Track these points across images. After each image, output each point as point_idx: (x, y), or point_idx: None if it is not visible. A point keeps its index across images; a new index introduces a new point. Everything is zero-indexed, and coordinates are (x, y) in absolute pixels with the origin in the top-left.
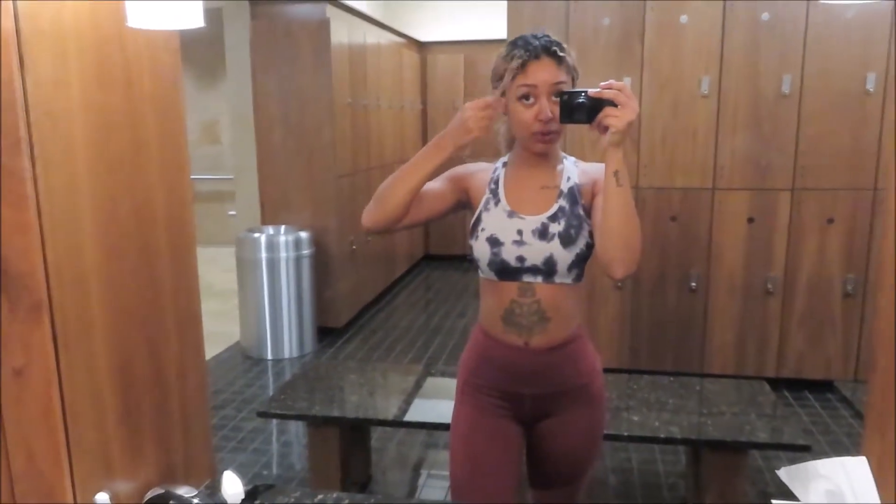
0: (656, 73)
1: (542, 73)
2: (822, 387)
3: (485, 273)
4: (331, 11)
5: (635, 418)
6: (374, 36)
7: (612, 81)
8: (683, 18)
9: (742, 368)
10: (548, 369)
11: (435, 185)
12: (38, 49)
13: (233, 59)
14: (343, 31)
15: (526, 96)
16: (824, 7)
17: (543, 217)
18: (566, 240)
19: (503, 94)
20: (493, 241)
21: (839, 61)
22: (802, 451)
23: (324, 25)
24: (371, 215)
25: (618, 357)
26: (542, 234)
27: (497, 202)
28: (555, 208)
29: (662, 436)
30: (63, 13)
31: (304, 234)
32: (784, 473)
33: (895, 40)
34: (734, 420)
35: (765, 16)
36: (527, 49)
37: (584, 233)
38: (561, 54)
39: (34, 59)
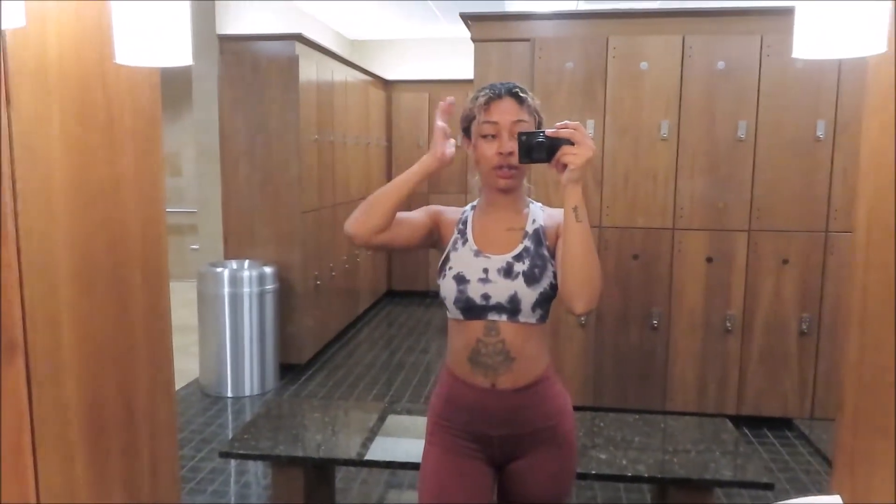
0: (618, 116)
1: (504, 112)
2: (781, 424)
3: (452, 312)
4: (300, 49)
5: (602, 456)
6: (341, 73)
7: (567, 122)
8: (644, 65)
9: (703, 406)
10: (515, 411)
11: (414, 214)
12: (20, 83)
13: (200, 92)
14: (311, 68)
15: (489, 134)
16: (777, 57)
17: (509, 256)
18: (530, 278)
19: (466, 136)
20: (460, 279)
21: (791, 109)
22: (765, 489)
23: (293, 62)
24: (357, 223)
25: (582, 394)
26: (507, 272)
27: (465, 242)
28: (520, 248)
29: (630, 474)
30: (48, 47)
31: (268, 269)
32: None
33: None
34: (699, 458)
35: (720, 64)
36: (491, 90)
37: (549, 273)
38: (523, 95)
39: (17, 93)
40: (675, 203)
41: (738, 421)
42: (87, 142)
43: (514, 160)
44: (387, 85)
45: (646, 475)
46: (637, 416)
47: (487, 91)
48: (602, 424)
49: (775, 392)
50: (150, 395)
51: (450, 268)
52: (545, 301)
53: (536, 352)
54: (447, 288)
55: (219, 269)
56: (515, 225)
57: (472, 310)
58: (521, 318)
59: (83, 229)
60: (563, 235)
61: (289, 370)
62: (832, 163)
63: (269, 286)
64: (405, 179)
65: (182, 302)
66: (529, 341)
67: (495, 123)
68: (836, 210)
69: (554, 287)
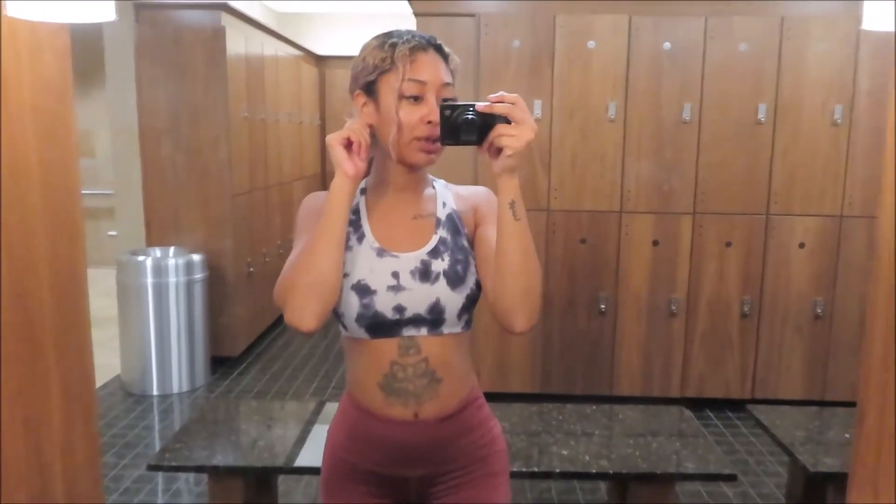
0: (566, 97)
1: (434, 69)
2: (722, 405)
3: (352, 331)
4: (226, 20)
5: (564, 452)
6: (271, 47)
7: (502, 93)
8: (591, 44)
9: (649, 389)
10: (439, 445)
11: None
12: None
13: (114, 65)
14: (240, 41)
15: (412, 95)
16: (720, 39)
17: (422, 253)
18: (454, 279)
19: (369, 95)
20: (362, 290)
21: (734, 92)
22: (728, 481)
23: (219, 34)
24: (308, 315)
25: (530, 381)
26: (424, 274)
27: (360, 238)
28: (434, 241)
29: (594, 471)
30: None
31: (196, 257)
32: None
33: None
34: (660, 450)
35: (666, 45)
36: (413, 37)
37: (472, 268)
38: (447, 51)
39: None
40: (622, 186)
41: (682, 403)
42: None
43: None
44: (319, 61)
45: (610, 472)
46: (595, 407)
47: (409, 38)
48: (561, 417)
49: (717, 374)
50: (64, 433)
51: (345, 275)
52: (471, 304)
53: (464, 367)
54: (345, 303)
55: (141, 258)
56: (423, 211)
57: (381, 327)
58: (446, 329)
59: None
60: (498, 237)
61: (221, 364)
62: (773, 146)
63: (198, 275)
64: (332, 227)
65: (100, 291)
66: (456, 355)
67: (423, 83)
68: (775, 193)
69: (479, 285)
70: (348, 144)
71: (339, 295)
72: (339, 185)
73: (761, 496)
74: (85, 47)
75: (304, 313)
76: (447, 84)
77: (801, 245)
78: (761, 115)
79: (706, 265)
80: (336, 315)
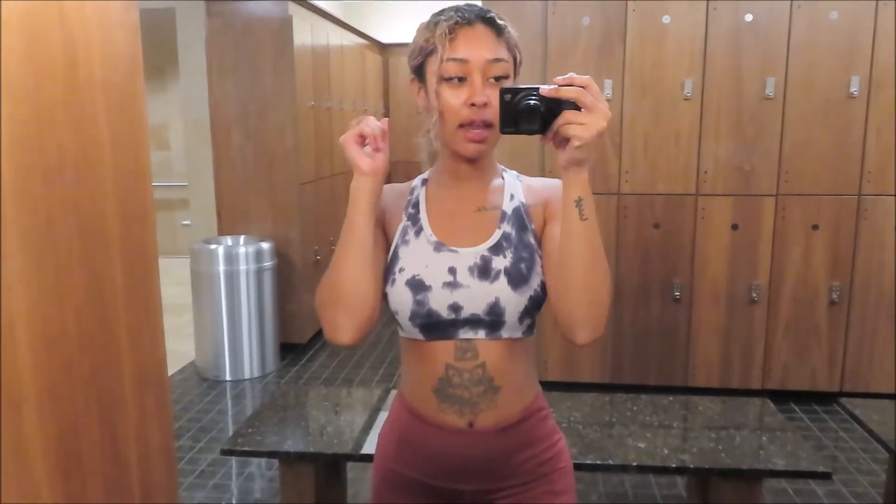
0: (638, 75)
1: (477, 45)
2: (807, 398)
3: (407, 331)
4: (293, 9)
5: (641, 445)
6: (337, 37)
7: (572, 75)
8: (666, 19)
9: (727, 380)
10: (498, 458)
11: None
12: None
13: (186, 59)
14: (306, 31)
15: (455, 76)
16: (808, 8)
17: (483, 248)
18: (516, 279)
19: (420, 81)
20: (416, 286)
21: (823, 64)
22: (822, 479)
23: (286, 24)
24: (341, 330)
25: (600, 371)
26: (484, 271)
27: (418, 231)
28: (497, 236)
29: (674, 465)
30: None
31: (265, 245)
32: None
33: (881, 43)
34: (744, 444)
35: (748, 17)
36: (457, 12)
37: (538, 268)
38: (501, 23)
39: None
40: (698, 167)
41: (763, 395)
42: (42, 94)
43: (491, 115)
44: (383, 49)
45: (691, 466)
46: (671, 398)
47: (452, 14)
48: (635, 408)
49: (802, 365)
50: (139, 419)
51: (400, 269)
52: (535, 307)
53: (525, 375)
54: (399, 298)
55: (213, 246)
56: (487, 203)
57: (436, 327)
58: (505, 333)
59: (41, 209)
60: (563, 238)
61: (290, 350)
62: (866, 122)
63: (267, 263)
64: (352, 235)
65: (175, 280)
66: (517, 363)
67: (464, 62)
68: (869, 172)
69: (545, 287)
70: (363, 140)
71: (372, 303)
72: (357, 185)
73: (855, 496)
74: (161, 43)
75: (337, 329)
76: (496, 60)
77: None
78: (854, 89)
79: (790, 249)
80: (391, 313)
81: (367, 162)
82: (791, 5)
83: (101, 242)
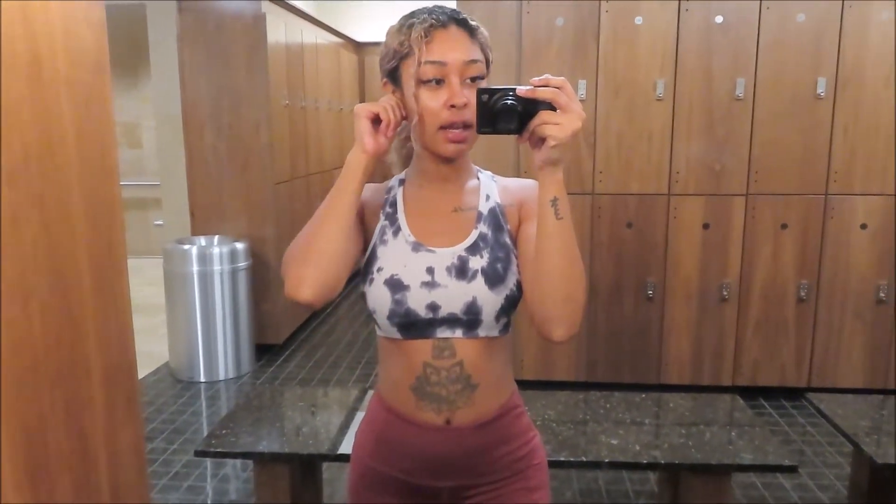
0: (612, 75)
1: (453, 47)
2: (776, 393)
3: (384, 330)
4: (266, 7)
5: (614, 442)
6: (311, 34)
7: (547, 76)
8: (638, 20)
9: (699, 378)
10: (473, 454)
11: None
12: None
13: (158, 57)
14: (280, 28)
15: (432, 79)
16: (777, 10)
17: (460, 249)
18: (493, 278)
19: (394, 84)
20: (395, 285)
21: (791, 65)
22: (790, 472)
23: (259, 21)
24: (310, 280)
25: (575, 370)
26: (461, 271)
27: (396, 231)
28: (474, 236)
29: (645, 461)
30: None
31: (239, 245)
32: None
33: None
34: (714, 440)
35: (718, 18)
36: (431, 14)
37: (514, 268)
38: (473, 24)
39: None
40: (670, 167)
41: (734, 392)
42: (4, 93)
43: (470, 115)
44: (358, 48)
45: (662, 462)
46: (644, 396)
47: (426, 16)
48: (608, 405)
49: (772, 362)
50: (107, 418)
51: (378, 269)
52: (511, 307)
53: (501, 373)
54: (377, 297)
55: (186, 247)
56: (463, 204)
57: (414, 326)
58: (482, 332)
59: (5, 210)
60: (538, 238)
61: (265, 351)
62: (833, 122)
63: (242, 263)
64: (339, 198)
65: (148, 280)
66: (493, 361)
67: (442, 64)
68: (835, 172)
69: (521, 287)
70: (376, 119)
71: (340, 270)
72: (356, 159)
73: (821, 488)
74: (132, 40)
75: (302, 281)
76: (472, 62)
77: (863, 226)
78: (820, 90)
79: (760, 248)
80: (369, 312)
81: (371, 142)
82: (760, 6)
83: (67, 242)
